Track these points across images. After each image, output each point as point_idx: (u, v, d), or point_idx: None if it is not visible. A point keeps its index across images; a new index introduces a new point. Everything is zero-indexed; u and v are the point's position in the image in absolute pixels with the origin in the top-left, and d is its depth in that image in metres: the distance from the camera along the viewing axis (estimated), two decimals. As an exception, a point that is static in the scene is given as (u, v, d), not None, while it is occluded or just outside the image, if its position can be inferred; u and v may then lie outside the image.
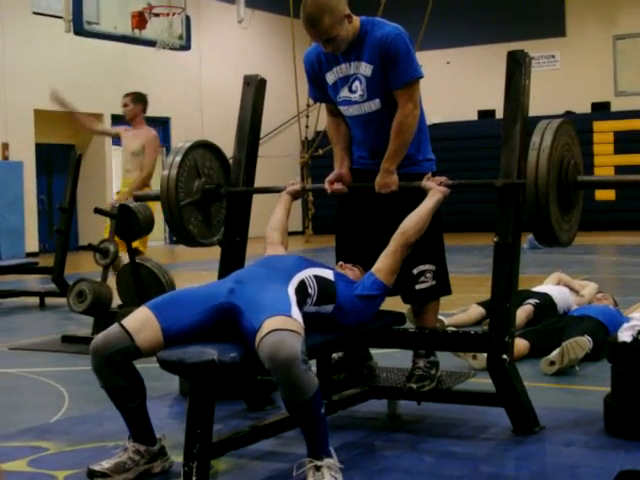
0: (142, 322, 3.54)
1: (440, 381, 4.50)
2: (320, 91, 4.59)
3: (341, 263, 4.27)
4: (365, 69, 4.34)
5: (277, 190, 4.72)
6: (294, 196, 4.65)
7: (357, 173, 4.55)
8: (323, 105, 4.67)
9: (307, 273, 3.83)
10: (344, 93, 4.43)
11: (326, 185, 4.55)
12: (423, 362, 4.47)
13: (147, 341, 3.51)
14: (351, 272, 4.18)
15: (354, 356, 4.66)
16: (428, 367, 4.46)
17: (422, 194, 4.28)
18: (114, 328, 3.55)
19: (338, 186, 4.50)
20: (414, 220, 4.11)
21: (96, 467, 3.65)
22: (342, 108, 4.50)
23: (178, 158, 4.67)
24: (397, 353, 5.38)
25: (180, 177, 4.65)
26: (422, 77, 4.34)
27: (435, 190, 4.23)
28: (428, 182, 4.28)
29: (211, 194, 4.79)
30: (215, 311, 3.57)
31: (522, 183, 4.08)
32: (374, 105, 4.38)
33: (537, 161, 3.96)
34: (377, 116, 4.40)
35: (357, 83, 4.38)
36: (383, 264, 4.04)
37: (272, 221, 4.46)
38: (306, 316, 3.55)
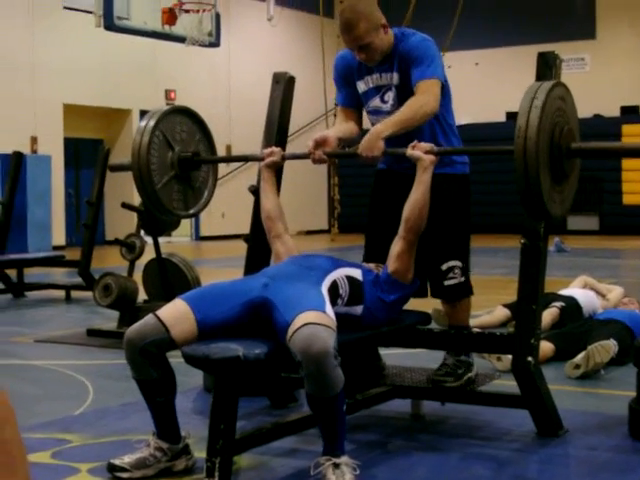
0: (178, 314, 3.53)
1: (471, 382, 4.47)
2: (347, 96, 4.59)
3: (377, 264, 4.23)
4: (394, 79, 4.36)
5: (254, 159, 4.61)
6: (275, 168, 4.44)
7: (388, 174, 4.54)
8: None
9: (340, 273, 3.83)
10: (375, 103, 4.44)
11: (310, 145, 4.34)
12: (452, 360, 4.46)
13: (182, 333, 3.50)
14: (377, 270, 4.17)
15: (362, 357, 4.63)
16: (456, 365, 4.44)
17: (453, 191, 4.26)
18: (150, 319, 3.54)
19: (320, 153, 4.30)
20: (416, 206, 4.01)
21: (116, 461, 3.65)
22: (371, 117, 4.49)
23: (145, 138, 4.43)
24: (421, 353, 5.37)
25: (151, 159, 4.46)
26: (440, 79, 4.26)
27: (424, 160, 4.04)
28: (414, 151, 4.09)
29: (187, 163, 4.63)
30: (249, 305, 3.57)
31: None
32: None
33: (526, 125, 3.65)
34: None
35: (390, 93, 4.39)
36: (400, 265, 4.01)
37: (266, 208, 4.31)
38: (336, 316, 3.54)
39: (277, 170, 4.49)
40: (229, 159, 4.23)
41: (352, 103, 4.58)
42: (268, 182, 4.37)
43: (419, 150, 4.07)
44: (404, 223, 4.04)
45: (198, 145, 4.73)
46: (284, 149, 4.87)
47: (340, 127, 4.54)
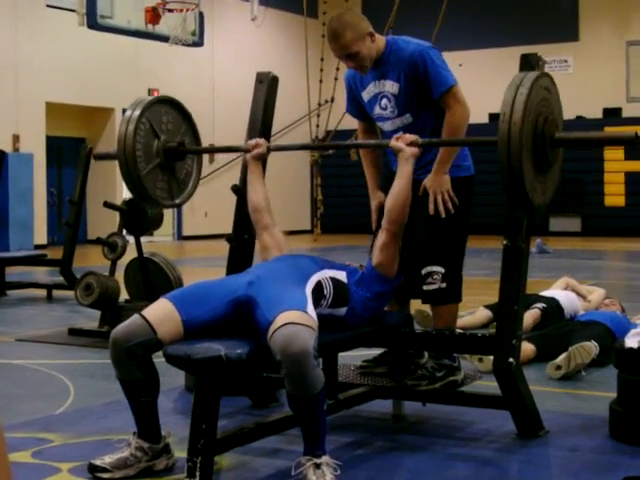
0: (163, 314, 3.53)
1: (454, 385, 4.48)
2: (356, 108, 4.75)
3: (360, 264, 4.24)
4: (392, 87, 4.47)
5: (239, 150, 4.63)
6: (261, 160, 4.43)
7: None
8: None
9: (324, 274, 3.84)
10: (377, 111, 4.58)
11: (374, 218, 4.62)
12: (431, 363, 4.48)
13: (168, 333, 3.50)
14: (362, 270, 4.16)
15: (399, 352, 4.63)
16: (435, 368, 4.45)
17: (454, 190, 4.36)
18: (136, 320, 3.53)
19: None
20: (399, 198, 4.02)
21: (97, 462, 3.65)
22: (379, 124, 4.65)
23: (131, 127, 4.45)
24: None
25: (137, 146, 4.47)
26: (455, 84, 4.40)
27: (405, 151, 4.08)
28: (397, 142, 4.13)
29: (172, 153, 4.65)
30: (234, 304, 3.58)
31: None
32: (405, 119, 4.51)
33: (511, 112, 3.69)
34: (411, 128, 4.47)
35: (385, 100, 4.52)
36: (383, 258, 4.03)
37: (254, 200, 4.28)
38: (319, 317, 3.55)
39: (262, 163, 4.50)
40: (215, 150, 4.25)
41: (363, 116, 4.75)
42: (255, 174, 4.36)
43: (403, 141, 4.11)
44: (386, 215, 4.07)
45: (184, 137, 4.76)
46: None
47: (373, 180, 4.78)
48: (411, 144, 4.10)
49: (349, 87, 4.70)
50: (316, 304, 3.64)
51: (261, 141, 4.45)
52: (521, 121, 3.67)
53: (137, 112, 4.51)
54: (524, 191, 3.75)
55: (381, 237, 4.06)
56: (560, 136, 3.93)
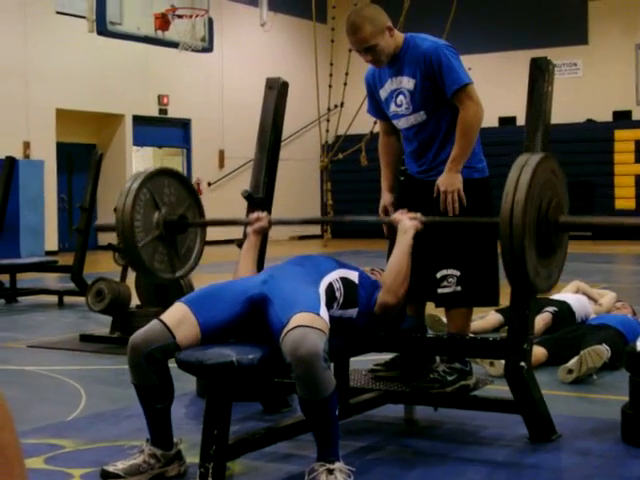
0: (180, 318, 3.54)
1: (466, 389, 4.47)
2: (375, 108, 4.75)
3: (372, 268, 4.24)
4: (408, 83, 4.48)
5: (242, 223, 4.54)
6: (262, 233, 4.41)
7: (410, 182, 4.60)
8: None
9: (335, 275, 3.83)
10: (392, 108, 4.58)
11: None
12: (442, 367, 4.48)
13: (186, 337, 3.52)
14: (379, 276, 4.16)
15: (412, 356, 4.63)
16: (446, 372, 4.45)
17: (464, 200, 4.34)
18: (155, 325, 3.54)
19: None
20: (394, 269, 3.97)
21: (110, 468, 3.65)
22: (394, 122, 4.64)
23: (130, 198, 4.40)
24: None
25: (136, 216, 4.41)
26: (469, 83, 4.40)
27: (404, 222, 4.08)
28: (399, 215, 4.16)
29: (173, 226, 4.60)
30: (249, 303, 3.59)
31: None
32: (420, 117, 4.50)
33: (512, 201, 3.60)
34: (424, 127, 4.50)
35: (401, 97, 4.52)
36: (382, 313, 3.97)
37: (240, 274, 4.15)
38: (331, 320, 3.55)
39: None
40: (216, 223, 4.20)
41: (383, 115, 4.73)
42: (253, 248, 4.29)
43: (406, 216, 4.12)
44: (384, 283, 4.01)
45: (187, 211, 4.70)
46: (277, 154, 4.89)
47: (387, 182, 4.75)
48: (414, 219, 4.09)
49: (369, 87, 4.71)
50: (329, 306, 3.65)
51: (262, 215, 4.38)
52: (524, 201, 3.56)
53: (136, 184, 4.45)
54: (526, 274, 3.64)
55: (380, 299, 3.97)
56: (565, 220, 3.83)
